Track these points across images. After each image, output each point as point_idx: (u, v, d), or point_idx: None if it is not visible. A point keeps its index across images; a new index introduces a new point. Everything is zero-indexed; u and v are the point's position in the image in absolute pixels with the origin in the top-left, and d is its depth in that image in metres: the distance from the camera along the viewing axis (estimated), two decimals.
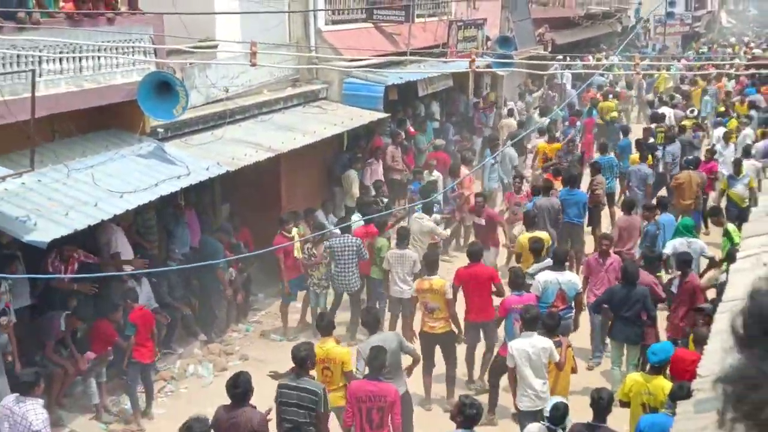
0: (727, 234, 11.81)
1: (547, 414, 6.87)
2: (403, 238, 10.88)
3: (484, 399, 9.06)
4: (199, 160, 10.64)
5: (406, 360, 8.59)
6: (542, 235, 11.40)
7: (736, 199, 14.52)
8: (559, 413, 6.81)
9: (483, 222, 12.66)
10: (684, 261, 10.17)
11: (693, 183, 14.78)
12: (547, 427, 6.85)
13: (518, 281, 9.36)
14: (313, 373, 7.56)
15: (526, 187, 14.39)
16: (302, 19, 14.66)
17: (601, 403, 6.90)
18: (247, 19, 12.29)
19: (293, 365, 7.26)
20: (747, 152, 16.45)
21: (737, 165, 15.01)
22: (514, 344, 8.15)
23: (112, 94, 9.83)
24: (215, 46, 11.94)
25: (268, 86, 13.79)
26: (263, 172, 12.20)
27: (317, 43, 14.68)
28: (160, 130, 10.82)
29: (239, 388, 6.65)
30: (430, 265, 9.73)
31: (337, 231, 11.38)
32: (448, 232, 13.12)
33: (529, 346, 8.05)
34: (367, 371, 7.61)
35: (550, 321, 8.37)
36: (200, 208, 12.41)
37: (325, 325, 8.16)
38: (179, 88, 9.88)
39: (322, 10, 14.76)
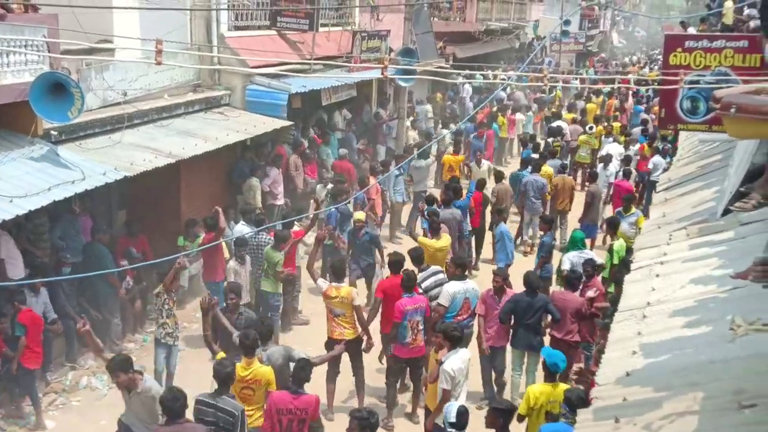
0: (611, 252, 12.32)
1: (453, 420, 6.91)
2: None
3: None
4: (96, 164, 10.30)
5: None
6: (437, 243, 11.53)
7: (622, 237, 12.81)
8: (466, 419, 6.91)
9: None
10: (592, 266, 10.77)
11: (567, 187, 16.32)
12: None
13: (409, 284, 9.43)
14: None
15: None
16: (205, 24, 14.45)
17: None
18: (146, 23, 12.03)
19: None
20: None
21: (627, 202, 14.15)
22: (453, 364, 8.02)
23: (2, 95, 9.39)
24: (114, 48, 11.59)
25: (168, 91, 13.49)
26: (162, 179, 11.92)
27: (220, 50, 14.48)
28: (53, 132, 10.44)
29: (179, 400, 6.37)
30: (337, 272, 9.71)
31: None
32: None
33: (461, 363, 8.13)
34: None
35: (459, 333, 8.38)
36: (96, 214, 11.99)
37: (250, 345, 7.71)
38: (74, 89, 9.55)
39: (224, 9, 14.59)
